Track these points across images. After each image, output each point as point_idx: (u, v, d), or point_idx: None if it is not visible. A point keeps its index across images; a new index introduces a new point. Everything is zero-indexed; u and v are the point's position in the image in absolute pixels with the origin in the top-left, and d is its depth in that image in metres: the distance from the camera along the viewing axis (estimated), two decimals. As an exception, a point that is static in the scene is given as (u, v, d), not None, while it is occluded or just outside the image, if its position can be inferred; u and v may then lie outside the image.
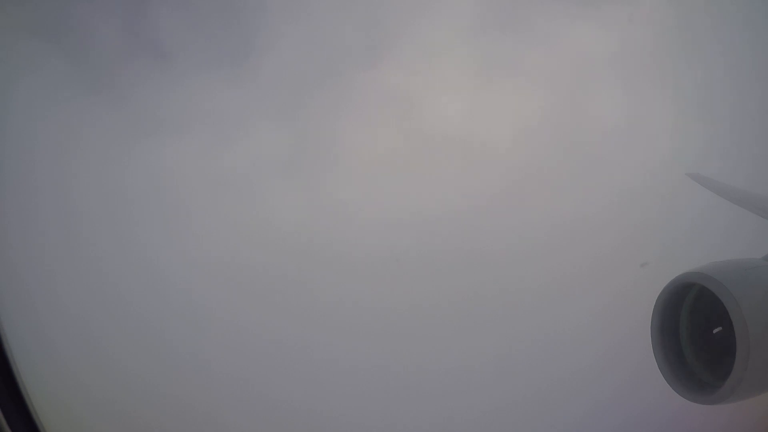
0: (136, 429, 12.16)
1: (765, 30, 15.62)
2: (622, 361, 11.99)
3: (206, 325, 14.27)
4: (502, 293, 14.94)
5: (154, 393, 12.60)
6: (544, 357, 13.67)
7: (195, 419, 12.56)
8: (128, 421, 12.00)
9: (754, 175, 13.49)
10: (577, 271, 14.85)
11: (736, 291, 4.58)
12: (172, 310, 14.21)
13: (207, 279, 14.78)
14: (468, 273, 15.37)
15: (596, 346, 13.08)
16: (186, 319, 14.22)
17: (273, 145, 16.88)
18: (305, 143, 17.09)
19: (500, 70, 17.07)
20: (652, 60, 16.80)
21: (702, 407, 4.91)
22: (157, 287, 14.35)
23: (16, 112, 14.15)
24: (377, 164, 16.67)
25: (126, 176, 15.57)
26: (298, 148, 16.96)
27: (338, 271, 15.00)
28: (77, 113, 15.20)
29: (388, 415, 13.23)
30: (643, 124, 16.61)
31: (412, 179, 16.80)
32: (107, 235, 14.51)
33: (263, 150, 16.86)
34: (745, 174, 13.32)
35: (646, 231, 15.06)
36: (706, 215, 12.48)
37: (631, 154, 16.32)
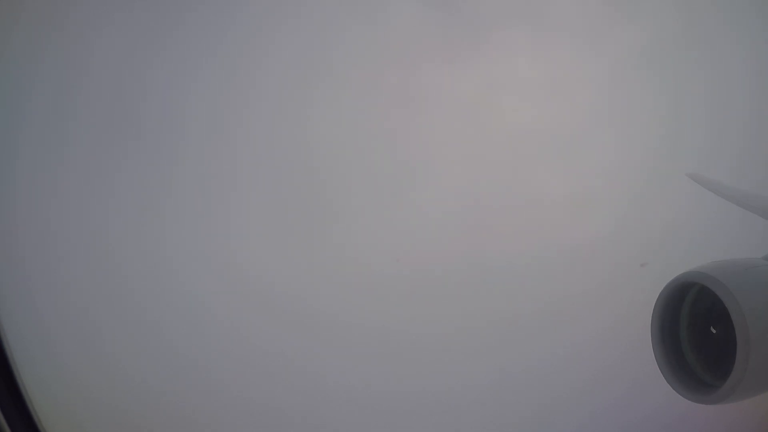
0: (136, 430, 12.15)
1: (765, 29, 15.61)
2: (622, 361, 11.98)
3: (210, 328, 14.23)
4: (502, 293, 14.93)
5: (154, 394, 12.59)
6: (544, 356, 13.66)
7: (195, 421, 12.55)
8: (128, 422, 11.99)
9: (754, 175, 13.50)
10: (576, 271, 14.85)
11: (736, 290, 4.55)
12: (175, 311, 14.18)
13: (214, 282, 14.71)
14: (468, 273, 15.35)
15: (595, 346, 13.08)
16: (190, 322, 14.19)
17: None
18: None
19: (486, 65, 16.93)
20: (653, 59, 16.79)
21: (702, 407, 4.90)
22: (162, 287, 14.30)
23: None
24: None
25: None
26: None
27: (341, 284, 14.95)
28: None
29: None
30: (643, 124, 16.60)
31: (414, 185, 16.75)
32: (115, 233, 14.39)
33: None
34: (745, 174, 13.32)
35: (646, 231, 15.06)
36: (705, 215, 12.47)
37: (631, 154, 16.30)
